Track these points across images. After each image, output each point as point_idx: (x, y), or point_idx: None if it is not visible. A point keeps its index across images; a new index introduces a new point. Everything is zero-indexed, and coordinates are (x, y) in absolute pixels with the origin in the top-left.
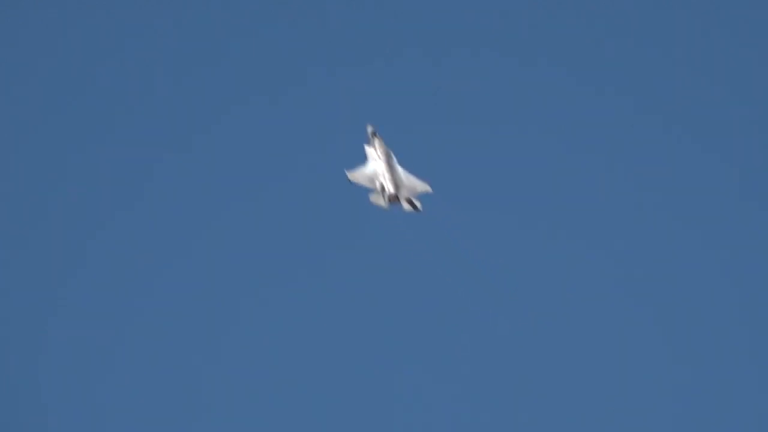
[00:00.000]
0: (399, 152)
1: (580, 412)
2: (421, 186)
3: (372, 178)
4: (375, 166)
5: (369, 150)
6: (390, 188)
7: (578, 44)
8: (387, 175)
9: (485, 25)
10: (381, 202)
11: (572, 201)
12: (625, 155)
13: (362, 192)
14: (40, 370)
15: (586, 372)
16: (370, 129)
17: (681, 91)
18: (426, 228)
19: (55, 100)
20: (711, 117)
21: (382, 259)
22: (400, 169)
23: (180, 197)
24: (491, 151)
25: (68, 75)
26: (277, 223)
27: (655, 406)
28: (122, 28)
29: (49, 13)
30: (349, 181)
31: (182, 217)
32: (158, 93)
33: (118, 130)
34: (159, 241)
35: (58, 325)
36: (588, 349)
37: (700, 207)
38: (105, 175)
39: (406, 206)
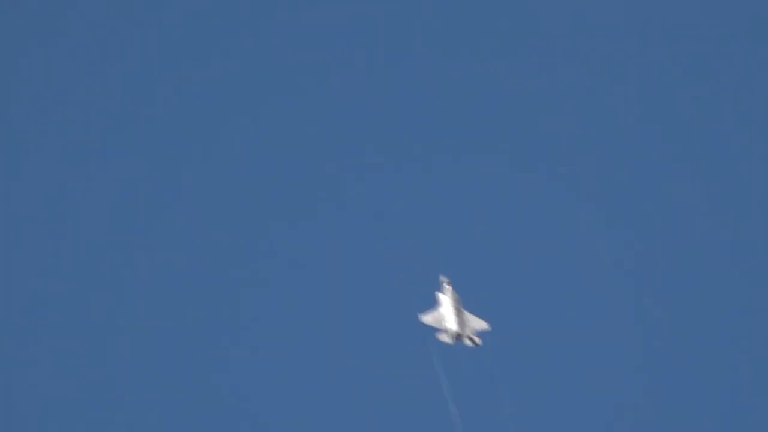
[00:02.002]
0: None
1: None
2: (482, 324)
3: (440, 320)
4: (444, 310)
5: (440, 296)
6: (455, 328)
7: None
8: (454, 318)
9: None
10: (447, 339)
11: None
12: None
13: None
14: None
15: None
16: (443, 279)
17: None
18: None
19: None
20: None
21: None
22: (466, 312)
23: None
24: None
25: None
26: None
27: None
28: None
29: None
30: (422, 323)
31: None
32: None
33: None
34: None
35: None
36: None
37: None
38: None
39: (468, 342)
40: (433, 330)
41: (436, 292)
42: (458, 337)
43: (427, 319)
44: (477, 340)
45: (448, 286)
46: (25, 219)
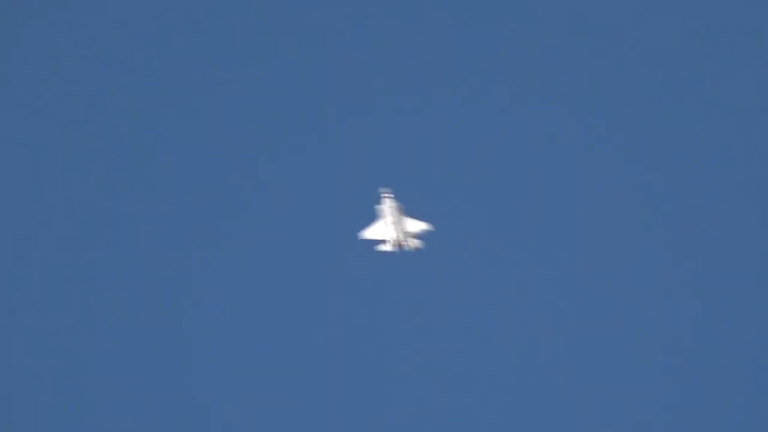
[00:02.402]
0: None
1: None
2: (422, 226)
3: (380, 231)
4: (383, 221)
5: (380, 208)
6: (399, 237)
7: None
8: (392, 226)
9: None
10: (389, 248)
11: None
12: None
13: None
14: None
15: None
16: (383, 190)
17: None
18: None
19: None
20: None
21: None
22: (405, 218)
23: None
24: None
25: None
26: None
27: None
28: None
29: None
30: (364, 239)
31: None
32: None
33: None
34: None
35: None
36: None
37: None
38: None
39: (410, 246)
40: (375, 243)
41: (376, 206)
42: (399, 244)
43: (367, 233)
44: (417, 243)
45: (387, 197)
46: None
